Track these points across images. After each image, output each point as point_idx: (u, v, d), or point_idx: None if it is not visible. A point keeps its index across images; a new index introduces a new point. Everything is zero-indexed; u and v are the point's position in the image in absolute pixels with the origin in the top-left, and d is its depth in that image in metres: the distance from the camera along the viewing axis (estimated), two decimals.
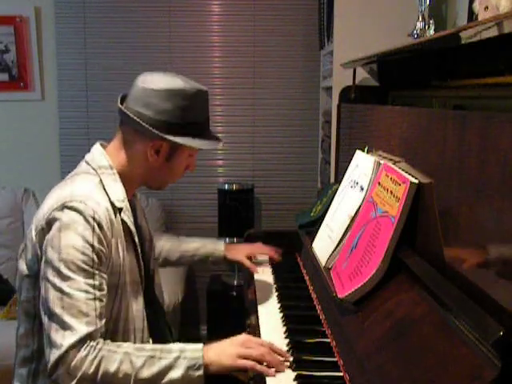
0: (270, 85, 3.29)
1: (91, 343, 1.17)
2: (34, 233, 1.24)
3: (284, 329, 1.42)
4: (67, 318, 1.16)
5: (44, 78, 3.31)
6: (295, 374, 1.18)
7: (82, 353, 1.15)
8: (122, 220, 1.32)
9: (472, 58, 1.37)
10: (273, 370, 1.21)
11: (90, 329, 1.17)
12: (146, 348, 1.21)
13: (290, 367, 1.22)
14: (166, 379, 1.18)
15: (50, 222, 1.21)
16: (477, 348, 0.83)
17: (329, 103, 2.66)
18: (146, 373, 1.17)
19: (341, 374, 1.17)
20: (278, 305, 1.58)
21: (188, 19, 3.23)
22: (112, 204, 1.29)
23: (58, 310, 1.16)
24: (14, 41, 3.24)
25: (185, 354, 1.20)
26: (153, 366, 1.18)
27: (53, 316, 1.17)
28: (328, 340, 1.32)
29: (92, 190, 1.27)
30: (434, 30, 1.91)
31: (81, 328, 1.16)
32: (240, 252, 1.78)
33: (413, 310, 1.06)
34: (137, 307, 1.36)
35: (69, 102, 3.28)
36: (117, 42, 3.24)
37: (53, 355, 1.15)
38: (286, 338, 1.37)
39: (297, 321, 1.37)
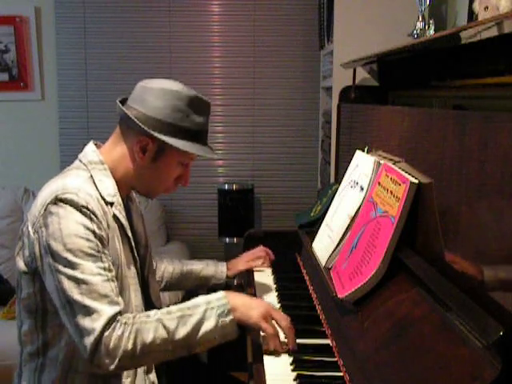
0: (269, 85, 3.29)
1: (123, 321, 1.18)
2: (31, 230, 1.24)
3: None
4: (89, 303, 1.17)
5: (44, 78, 3.31)
6: (295, 374, 1.18)
7: (118, 332, 1.17)
8: (114, 214, 1.32)
9: (472, 58, 1.37)
10: (284, 347, 1.26)
11: (116, 308, 1.19)
12: (173, 310, 1.24)
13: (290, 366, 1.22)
14: (202, 332, 1.21)
15: (46, 217, 1.22)
16: (477, 348, 0.83)
17: (329, 103, 2.66)
18: (181, 332, 1.20)
19: (341, 374, 1.16)
20: (278, 305, 1.58)
21: (188, 19, 3.24)
22: (103, 198, 1.30)
23: (77, 297, 1.17)
24: (14, 41, 3.25)
25: (211, 304, 1.24)
26: (186, 325, 1.21)
27: (73, 305, 1.17)
28: (328, 340, 1.32)
29: (83, 184, 1.27)
30: (434, 30, 1.91)
31: (105, 309, 1.17)
32: (239, 265, 1.77)
33: (413, 310, 1.06)
34: (136, 303, 1.37)
35: (69, 102, 3.29)
36: (117, 42, 3.23)
37: (88, 341, 1.16)
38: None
39: (297, 321, 1.37)
